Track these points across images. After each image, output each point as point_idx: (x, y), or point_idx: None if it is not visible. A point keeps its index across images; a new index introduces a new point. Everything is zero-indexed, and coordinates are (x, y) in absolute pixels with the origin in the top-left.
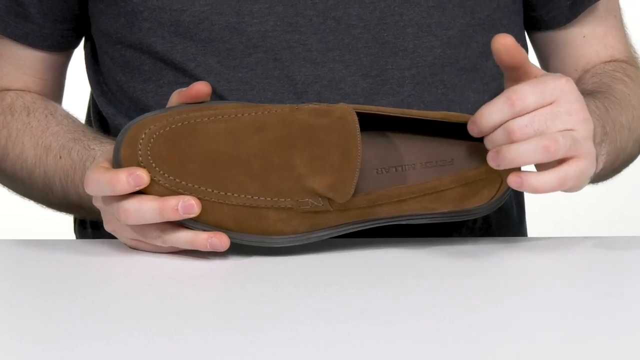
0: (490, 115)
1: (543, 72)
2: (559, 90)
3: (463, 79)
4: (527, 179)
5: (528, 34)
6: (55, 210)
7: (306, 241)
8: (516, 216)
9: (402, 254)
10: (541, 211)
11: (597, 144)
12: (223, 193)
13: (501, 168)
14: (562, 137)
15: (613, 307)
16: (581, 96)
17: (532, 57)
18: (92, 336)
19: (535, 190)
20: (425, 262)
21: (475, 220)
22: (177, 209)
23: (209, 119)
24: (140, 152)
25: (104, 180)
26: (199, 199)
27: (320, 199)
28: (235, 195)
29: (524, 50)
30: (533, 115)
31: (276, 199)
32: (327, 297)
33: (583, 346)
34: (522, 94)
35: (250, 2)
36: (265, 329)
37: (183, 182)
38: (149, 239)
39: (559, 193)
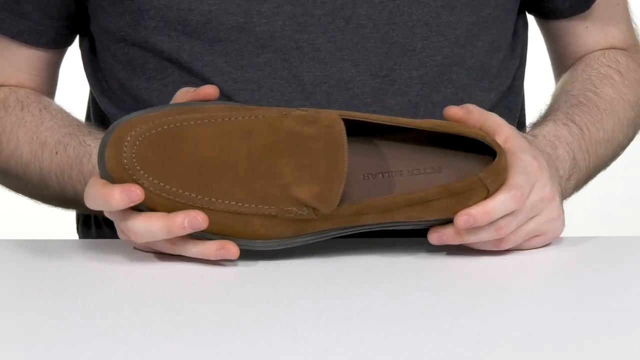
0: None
1: (507, 133)
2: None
3: (471, 78)
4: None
5: (537, 22)
6: (50, 205)
7: (291, 245)
8: None
9: (402, 254)
10: None
11: (565, 180)
12: (208, 199)
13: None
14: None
15: (613, 307)
16: (551, 181)
17: (536, 44)
18: (92, 336)
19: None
20: (425, 262)
21: None
22: (185, 227)
23: (196, 122)
24: (125, 154)
25: (99, 196)
26: (183, 203)
27: (304, 208)
28: (220, 201)
29: (469, 111)
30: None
31: (261, 206)
32: (327, 297)
33: (583, 346)
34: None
35: (259, 1)
36: (265, 329)
37: (168, 187)
38: (161, 250)
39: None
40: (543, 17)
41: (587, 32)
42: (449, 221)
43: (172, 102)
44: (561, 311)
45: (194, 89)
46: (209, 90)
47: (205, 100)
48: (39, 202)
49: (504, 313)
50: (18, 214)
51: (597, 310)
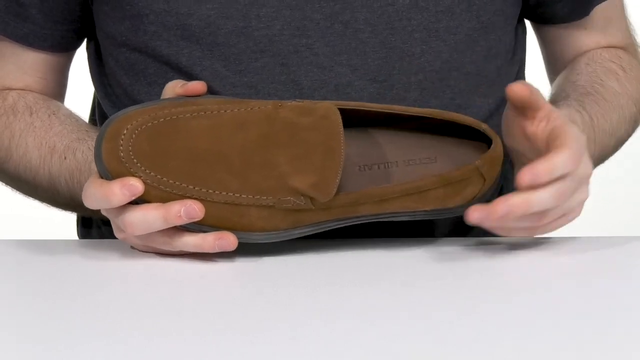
0: (539, 203)
1: (549, 107)
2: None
3: (469, 83)
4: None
5: (534, 27)
6: (61, 209)
7: (288, 237)
8: None
9: (402, 254)
10: None
11: None
12: (204, 190)
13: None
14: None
15: (613, 307)
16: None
17: (533, 48)
18: (92, 336)
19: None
20: (425, 262)
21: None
22: (181, 215)
23: (191, 115)
24: (122, 147)
25: (99, 195)
26: (179, 195)
27: (302, 197)
28: (216, 192)
29: (535, 91)
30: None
31: (258, 196)
32: (327, 297)
33: (583, 346)
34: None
35: (257, 6)
36: (265, 329)
37: (164, 179)
38: (158, 246)
39: None
40: (541, 23)
41: (587, 34)
42: (444, 213)
43: (162, 94)
44: (561, 311)
45: (183, 83)
46: (197, 87)
47: (197, 96)
48: (50, 206)
49: (504, 313)
50: (18, 214)
51: (598, 311)
